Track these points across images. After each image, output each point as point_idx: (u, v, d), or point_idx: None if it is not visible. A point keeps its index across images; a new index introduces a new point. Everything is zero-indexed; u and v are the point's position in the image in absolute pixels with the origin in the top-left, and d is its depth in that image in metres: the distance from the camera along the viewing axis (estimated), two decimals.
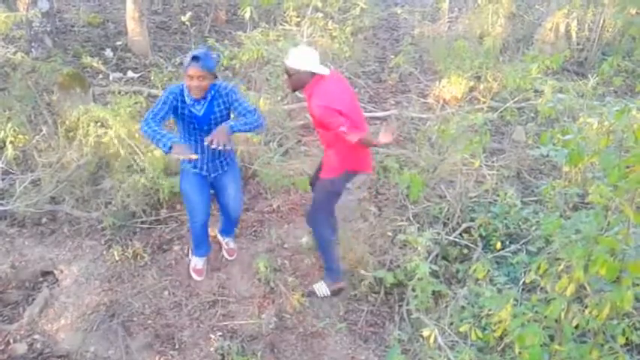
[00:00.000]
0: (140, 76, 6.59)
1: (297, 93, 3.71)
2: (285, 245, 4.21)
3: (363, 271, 3.81)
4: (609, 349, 2.52)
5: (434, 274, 3.59)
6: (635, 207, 2.16)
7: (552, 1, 7.99)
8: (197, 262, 3.87)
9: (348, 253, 3.96)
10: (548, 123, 5.69)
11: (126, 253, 3.97)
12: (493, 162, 5.10)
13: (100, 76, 6.14)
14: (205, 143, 3.09)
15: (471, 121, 4.82)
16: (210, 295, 3.75)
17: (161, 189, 4.31)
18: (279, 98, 5.51)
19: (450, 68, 6.50)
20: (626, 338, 2.52)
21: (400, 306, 3.69)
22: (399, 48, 7.75)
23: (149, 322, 3.53)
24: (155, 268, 3.93)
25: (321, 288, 3.81)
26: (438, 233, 3.95)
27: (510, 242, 3.97)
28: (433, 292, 3.49)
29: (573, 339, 2.68)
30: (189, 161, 3.34)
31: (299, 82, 3.40)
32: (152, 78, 5.72)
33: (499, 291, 3.18)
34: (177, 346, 3.39)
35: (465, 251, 4.00)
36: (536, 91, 5.95)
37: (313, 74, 3.36)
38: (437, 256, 3.92)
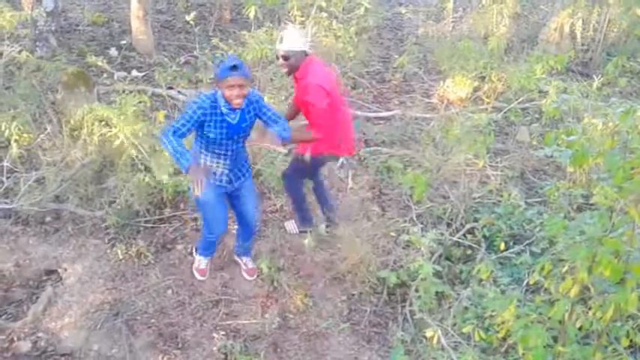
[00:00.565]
0: (144, 75, 6.60)
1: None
2: (289, 245, 4.22)
3: (366, 271, 3.81)
4: (613, 351, 2.51)
5: (437, 274, 3.59)
6: None
7: (557, 1, 7.95)
8: (201, 262, 3.87)
9: (351, 253, 3.96)
10: (553, 124, 5.67)
11: (129, 252, 3.98)
12: (497, 162, 5.09)
13: (105, 75, 6.15)
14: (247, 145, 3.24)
15: (475, 122, 4.82)
16: (213, 294, 3.75)
17: (165, 188, 4.32)
18: (282, 98, 5.51)
19: (454, 68, 6.49)
20: (630, 340, 2.51)
21: (403, 306, 3.68)
22: (403, 48, 7.73)
23: (152, 320, 3.54)
24: (159, 267, 3.94)
25: (290, 225, 4.27)
26: (442, 234, 3.95)
27: (514, 243, 3.96)
28: (436, 293, 3.49)
29: (577, 340, 2.66)
30: (212, 172, 3.32)
31: (296, 63, 3.43)
32: (156, 77, 5.73)
33: (503, 292, 3.19)
34: (180, 345, 3.39)
35: (469, 252, 4.00)
36: (540, 91, 5.94)
37: (306, 54, 3.41)
38: (440, 256, 3.92)
